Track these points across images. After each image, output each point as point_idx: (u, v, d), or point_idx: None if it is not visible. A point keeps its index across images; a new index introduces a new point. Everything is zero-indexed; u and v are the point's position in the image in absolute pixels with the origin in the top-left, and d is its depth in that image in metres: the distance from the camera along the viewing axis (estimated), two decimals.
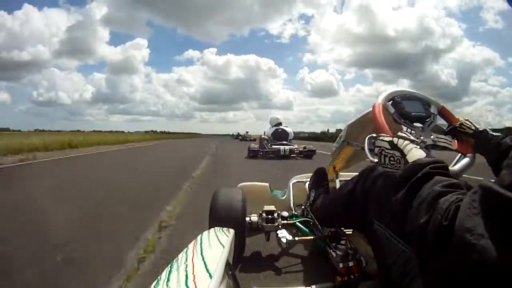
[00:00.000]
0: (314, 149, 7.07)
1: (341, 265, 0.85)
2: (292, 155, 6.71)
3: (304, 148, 7.01)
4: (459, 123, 0.77)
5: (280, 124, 7.68)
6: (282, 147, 6.79)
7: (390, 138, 0.60)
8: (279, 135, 7.41)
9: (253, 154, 6.88)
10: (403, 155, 0.55)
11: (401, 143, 0.57)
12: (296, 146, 7.05)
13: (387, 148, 0.59)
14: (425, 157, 0.52)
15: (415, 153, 0.54)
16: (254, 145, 7.31)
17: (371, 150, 0.65)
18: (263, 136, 7.53)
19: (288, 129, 7.60)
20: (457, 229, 0.34)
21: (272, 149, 6.83)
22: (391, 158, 0.58)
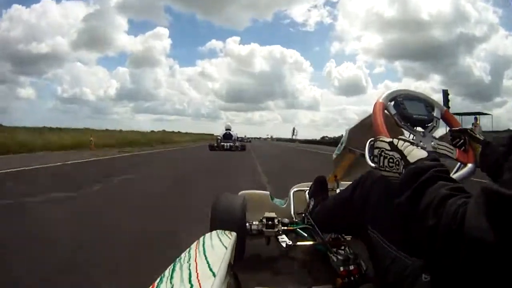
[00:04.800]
0: (245, 145, 13.75)
1: (341, 268, 0.84)
2: (232, 149, 12.08)
3: (241, 145, 12.88)
4: (469, 127, 0.76)
5: (229, 129, 13.42)
6: (226, 143, 12.38)
7: (391, 139, 0.59)
8: (227, 136, 13.12)
9: (211, 148, 12.41)
10: (403, 156, 0.54)
11: (401, 144, 0.56)
12: (237, 144, 12.68)
13: (387, 149, 0.58)
14: (427, 156, 0.51)
15: (417, 153, 0.53)
16: (212, 142, 13.11)
17: (371, 155, 0.63)
18: (218, 136, 13.39)
19: (233, 133, 13.41)
20: (466, 229, 0.35)
21: (221, 145, 12.37)
22: (390, 160, 0.56)
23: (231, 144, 12.28)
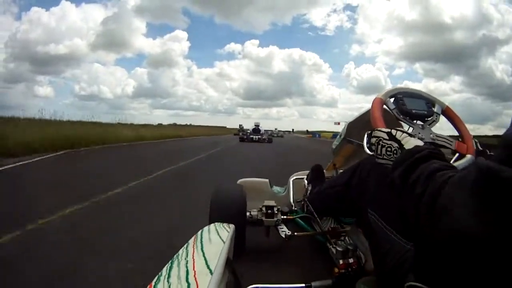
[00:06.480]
0: (272, 138, 16.91)
1: (341, 261, 0.86)
2: (259, 141, 14.78)
3: (268, 138, 15.79)
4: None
5: (258, 125, 17.05)
6: (254, 136, 15.35)
7: (389, 130, 0.59)
8: (255, 130, 16.59)
9: (241, 139, 15.22)
10: (401, 145, 0.54)
11: (399, 135, 0.57)
12: (264, 137, 15.57)
13: (384, 139, 0.58)
14: (423, 145, 0.51)
15: (413, 142, 0.53)
16: (243, 135, 16.13)
17: (368, 144, 0.64)
18: (248, 130, 16.95)
19: (261, 128, 16.99)
20: (442, 199, 0.35)
21: (250, 137, 15.23)
22: (388, 149, 0.57)
23: (259, 137, 15.36)
